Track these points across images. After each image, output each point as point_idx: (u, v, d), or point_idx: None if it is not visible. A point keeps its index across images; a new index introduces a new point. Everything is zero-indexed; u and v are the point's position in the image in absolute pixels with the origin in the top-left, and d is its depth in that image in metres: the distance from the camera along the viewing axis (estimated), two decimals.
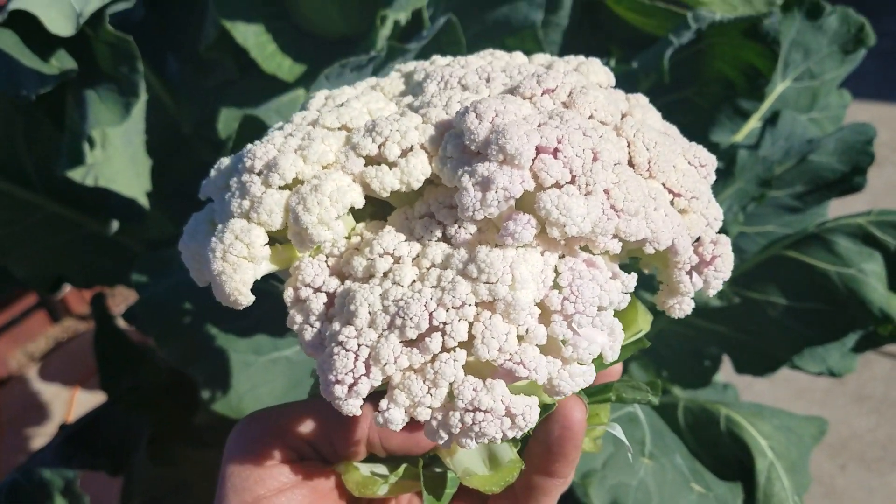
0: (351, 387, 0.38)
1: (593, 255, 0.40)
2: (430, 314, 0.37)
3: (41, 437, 2.47)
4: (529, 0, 0.96)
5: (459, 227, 0.40)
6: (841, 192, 1.07)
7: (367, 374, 0.37)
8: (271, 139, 0.44)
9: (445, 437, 0.38)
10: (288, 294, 0.41)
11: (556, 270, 0.39)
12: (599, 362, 0.40)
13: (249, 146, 0.44)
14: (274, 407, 0.45)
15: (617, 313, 0.41)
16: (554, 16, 1.01)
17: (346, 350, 0.38)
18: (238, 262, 0.41)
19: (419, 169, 0.41)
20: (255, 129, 0.93)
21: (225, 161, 0.48)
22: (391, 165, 0.41)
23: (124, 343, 1.45)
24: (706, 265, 0.44)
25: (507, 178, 0.38)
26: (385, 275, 0.40)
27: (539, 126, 0.40)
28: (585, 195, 0.39)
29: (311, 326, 0.40)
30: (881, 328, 0.95)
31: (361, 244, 0.41)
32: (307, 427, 0.44)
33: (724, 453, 0.98)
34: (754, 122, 1.18)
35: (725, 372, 1.18)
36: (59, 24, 0.77)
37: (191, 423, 1.35)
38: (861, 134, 1.06)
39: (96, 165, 0.90)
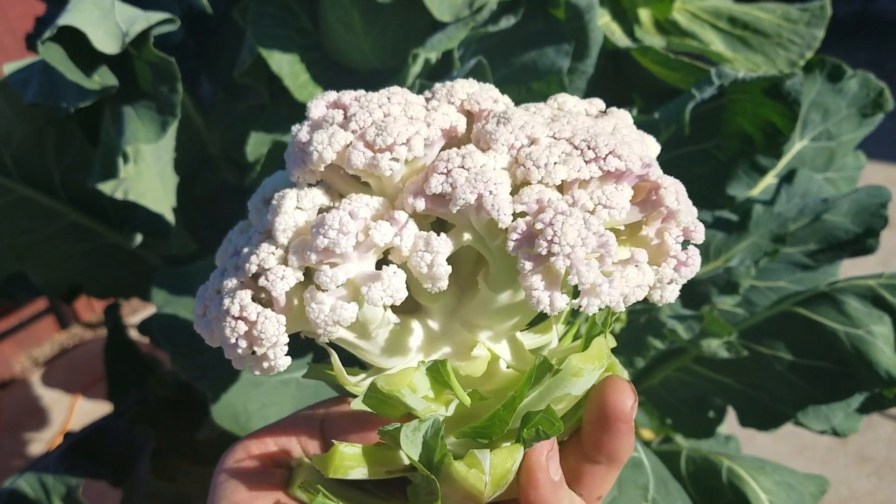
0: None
1: (396, 210, 0.41)
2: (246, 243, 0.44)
3: (39, 442, 2.47)
4: (557, 47, 0.98)
5: None
6: (853, 252, 1.09)
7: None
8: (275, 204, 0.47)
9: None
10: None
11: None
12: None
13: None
14: (264, 428, 0.47)
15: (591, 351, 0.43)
16: (580, 63, 1.03)
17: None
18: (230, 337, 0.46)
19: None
20: (282, 155, 0.96)
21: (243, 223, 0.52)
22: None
23: (134, 355, 1.47)
24: (538, 234, 0.38)
25: (298, 127, 0.45)
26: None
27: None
28: (342, 129, 0.43)
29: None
30: (887, 391, 0.96)
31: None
32: (278, 432, 0.46)
33: None
34: (770, 178, 1.20)
35: (728, 424, 1.19)
36: (105, 42, 0.79)
37: (194, 439, 1.36)
38: (876, 196, 1.08)
39: (127, 180, 0.92)
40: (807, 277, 1.12)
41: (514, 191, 0.40)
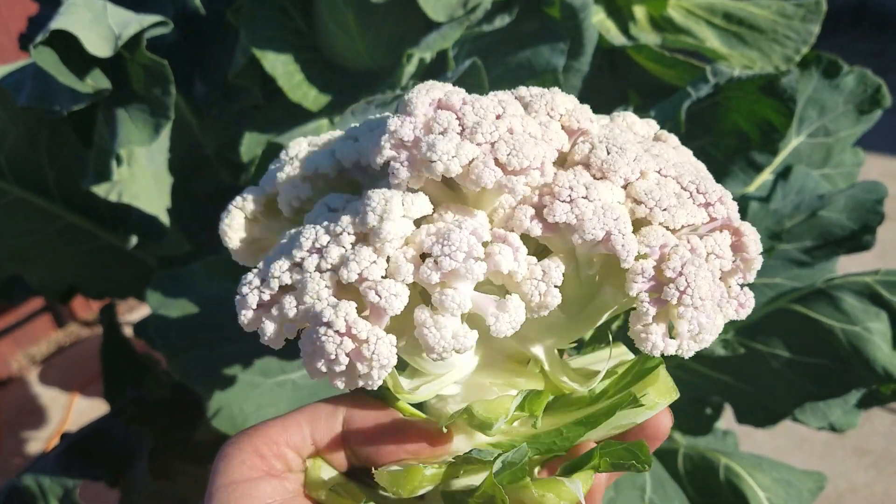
0: (249, 299, 0.42)
1: (508, 232, 0.41)
2: (315, 239, 0.40)
3: (37, 440, 2.47)
4: (552, 46, 0.98)
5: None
6: (850, 249, 1.08)
7: (259, 287, 0.42)
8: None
9: (303, 350, 0.40)
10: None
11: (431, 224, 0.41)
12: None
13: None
14: (259, 423, 0.45)
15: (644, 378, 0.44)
16: (575, 61, 1.03)
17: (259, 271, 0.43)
18: (234, 212, 0.50)
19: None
20: (277, 155, 0.95)
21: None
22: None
23: (130, 355, 1.47)
24: (667, 281, 0.39)
25: (399, 123, 0.41)
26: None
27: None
28: (469, 141, 0.40)
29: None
30: (884, 387, 0.96)
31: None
32: (289, 430, 0.43)
33: (722, 502, 0.98)
34: (767, 175, 1.20)
35: (726, 420, 1.19)
36: (98, 46, 0.79)
37: (191, 439, 1.36)
38: (872, 192, 1.08)
39: (121, 182, 0.92)
40: (803, 274, 1.12)
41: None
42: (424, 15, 0.93)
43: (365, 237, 0.40)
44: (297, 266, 0.40)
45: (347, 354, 0.38)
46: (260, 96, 1.06)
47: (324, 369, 0.39)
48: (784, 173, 1.14)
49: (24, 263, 1.18)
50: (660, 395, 0.44)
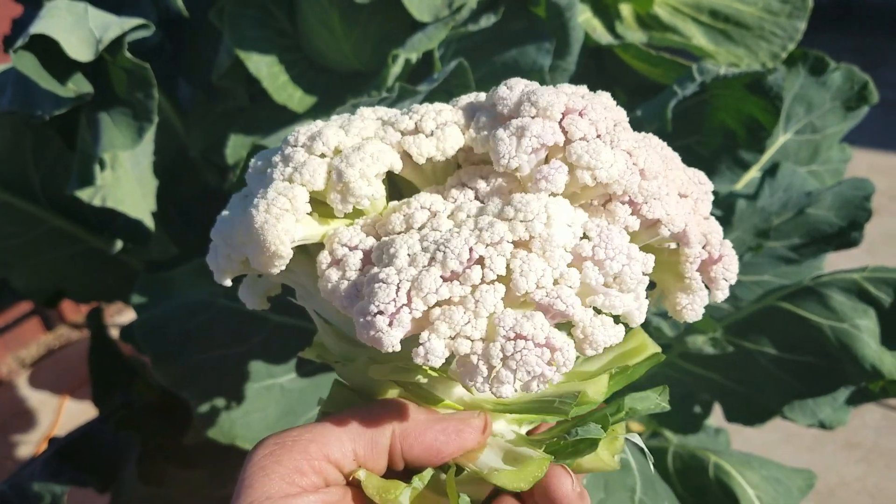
0: (393, 316, 0.38)
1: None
2: (471, 248, 0.39)
3: (27, 444, 2.46)
4: (538, 45, 0.98)
5: (490, 180, 0.43)
6: (837, 246, 1.09)
7: (408, 304, 0.38)
8: (313, 123, 0.47)
9: (485, 371, 0.38)
10: (323, 257, 0.43)
11: (583, 229, 0.42)
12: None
13: (294, 128, 0.47)
14: (293, 429, 0.43)
15: (626, 340, 0.47)
16: (562, 61, 1.02)
17: (388, 284, 0.39)
18: (280, 214, 0.42)
19: (454, 138, 0.45)
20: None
21: (266, 152, 0.51)
22: (428, 135, 0.45)
23: (118, 359, 1.46)
24: (714, 262, 0.46)
25: (540, 127, 0.42)
26: (422, 226, 0.42)
27: (566, 95, 0.44)
28: (613, 148, 0.43)
29: (347, 280, 0.41)
30: (872, 384, 0.96)
31: (397, 206, 0.44)
32: (330, 446, 0.42)
33: (712, 501, 0.98)
34: (754, 172, 1.20)
35: (717, 416, 1.19)
36: (79, 50, 0.78)
37: (180, 443, 1.35)
38: (859, 189, 1.08)
39: (105, 187, 0.91)
40: (791, 271, 1.12)
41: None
42: (410, 15, 0.92)
43: (525, 244, 0.40)
44: (452, 278, 0.39)
45: (546, 363, 0.38)
46: (245, 98, 1.05)
47: (522, 381, 0.38)
48: (771, 171, 1.14)
49: (9, 267, 1.17)
50: (513, 481, 0.44)
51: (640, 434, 1.30)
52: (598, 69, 1.15)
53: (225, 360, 0.96)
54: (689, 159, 1.09)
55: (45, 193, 1.10)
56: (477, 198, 0.43)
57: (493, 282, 0.39)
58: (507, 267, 0.39)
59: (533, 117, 0.42)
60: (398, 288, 0.38)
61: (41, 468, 1.23)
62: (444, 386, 0.47)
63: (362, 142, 0.44)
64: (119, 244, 1.09)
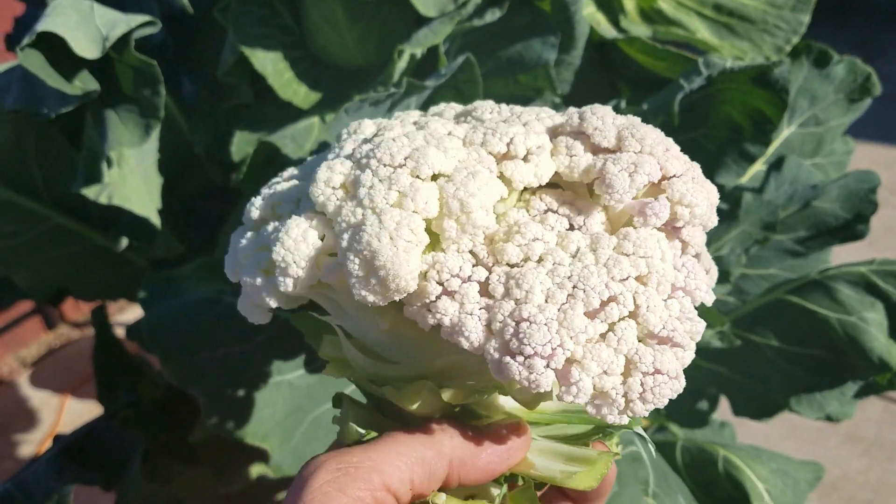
0: (550, 357, 0.38)
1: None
2: (606, 285, 0.40)
3: (29, 443, 2.45)
4: (543, 39, 0.97)
5: (587, 216, 0.44)
6: (843, 239, 1.09)
7: (561, 345, 0.39)
8: (384, 139, 0.45)
9: (622, 404, 0.39)
10: (432, 287, 0.41)
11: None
12: None
13: (363, 146, 0.45)
14: (353, 452, 0.42)
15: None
16: (567, 55, 1.02)
17: (537, 324, 0.38)
18: (409, 247, 0.41)
19: (547, 165, 0.45)
20: (269, 155, 0.95)
21: (292, 170, 0.50)
22: (525, 161, 0.44)
23: (123, 357, 1.46)
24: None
25: (650, 165, 0.43)
26: (541, 258, 0.41)
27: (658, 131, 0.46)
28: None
29: (470, 314, 0.40)
30: (880, 377, 0.96)
31: (500, 236, 0.43)
32: (391, 475, 0.41)
33: (722, 495, 0.98)
34: (759, 166, 1.20)
35: (721, 411, 1.19)
36: (86, 47, 0.78)
37: (185, 441, 1.35)
38: (865, 182, 1.08)
39: (111, 184, 0.91)
40: (797, 264, 1.12)
41: None
42: (414, 10, 0.92)
43: (642, 279, 0.41)
44: (594, 315, 0.40)
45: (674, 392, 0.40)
46: (249, 94, 1.04)
47: (651, 408, 0.40)
48: (777, 164, 1.14)
49: (12, 266, 1.16)
50: (586, 481, 0.46)
51: (646, 429, 1.31)
52: (602, 63, 1.15)
53: (232, 357, 0.96)
54: (695, 153, 1.09)
55: (48, 191, 1.10)
56: (571, 226, 0.44)
57: (625, 318, 0.40)
58: (634, 302, 0.40)
59: (638, 153, 0.44)
60: (548, 327, 0.39)
61: (46, 466, 1.23)
62: (491, 401, 0.47)
63: (463, 165, 0.44)
64: (124, 242, 1.09)
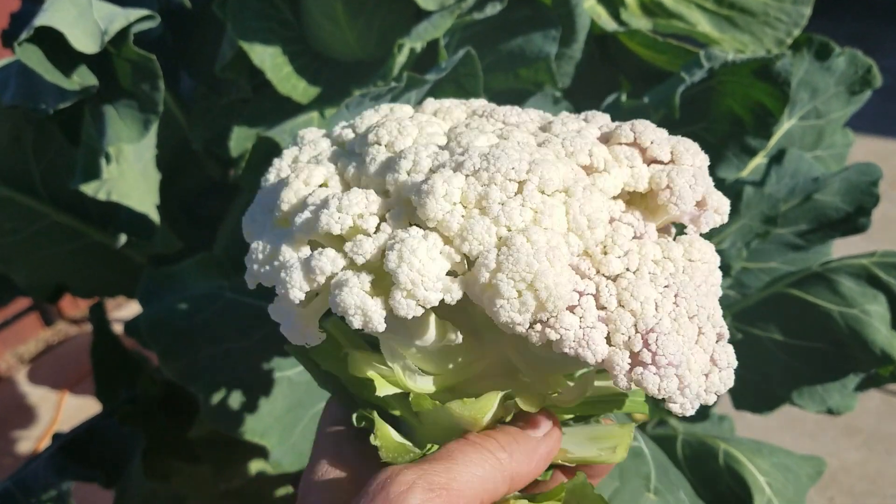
0: (679, 366, 0.41)
1: None
2: (696, 290, 0.43)
3: (27, 440, 2.45)
4: (544, 33, 0.97)
5: (647, 224, 0.46)
6: (844, 232, 1.08)
7: (687, 353, 0.42)
8: (498, 153, 0.44)
9: (704, 398, 0.43)
10: None
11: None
12: None
13: (471, 158, 0.44)
14: (436, 470, 0.41)
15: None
16: (568, 49, 1.02)
17: (666, 334, 0.40)
18: (564, 267, 0.42)
19: (619, 176, 0.46)
20: (268, 150, 0.94)
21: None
22: (608, 172, 0.46)
23: (122, 354, 1.45)
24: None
25: (704, 179, 0.46)
26: (638, 269, 0.43)
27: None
28: None
29: (594, 327, 0.41)
30: (882, 369, 0.96)
31: (603, 244, 0.43)
32: (470, 498, 0.41)
33: (723, 489, 0.98)
34: (760, 159, 1.19)
35: (720, 403, 1.19)
36: (84, 42, 0.77)
37: (185, 437, 1.34)
38: (866, 174, 1.07)
39: (110, 180, 0.90)
40: (798, 258, 1.12)
41: None
42: (414, 4, 0.91)
43: (708, 283, 0.45)
44: (694, 319, 0.42)
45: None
46: (248, 89, 1.04)
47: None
48: (778, 157, 1.13)
49: (10, 263, 1.16)
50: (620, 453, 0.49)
51: (646, 423, 1.30)
52: (603, 56, 1.14)
53: (232, 354, 0.95)
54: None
55: (45, 188, 1.09)
56: (635, 235, 0.45)
57: (708, 319, 0.43)
58: (712, 305, 0.44)
59: (692, 166, 0.46)
60: (678, 336, 0.41)
61: (45, 464, 1.23)
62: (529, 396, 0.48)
63: (573, 179, 0.44)
64: (123, 238, 1.08)
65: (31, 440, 2.44)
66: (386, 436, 0.45)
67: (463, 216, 0.42)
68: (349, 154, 0.49)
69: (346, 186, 0.47)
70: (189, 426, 1.34)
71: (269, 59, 0.95)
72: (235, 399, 0.96)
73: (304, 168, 0.48)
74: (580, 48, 1.02)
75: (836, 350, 0.97)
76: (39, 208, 1.11)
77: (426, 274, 0.40)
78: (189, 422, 1.35)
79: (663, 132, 0.48)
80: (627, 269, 0.42)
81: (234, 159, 1.01)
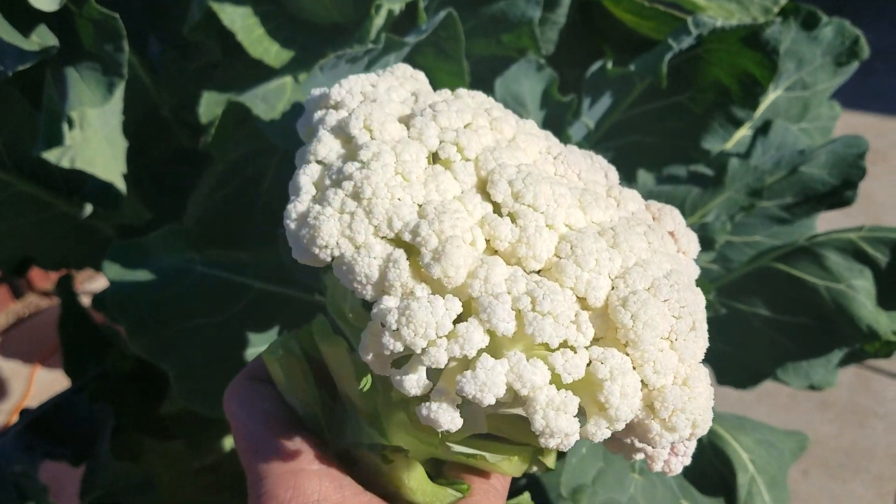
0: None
1: None
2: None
3: None
4: None
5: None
6: (831, 205, 1.06)
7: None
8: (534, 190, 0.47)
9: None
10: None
11: None
12: None
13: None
14: None
15: None
16: (552, 13, 0.98)
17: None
18: None
19: None
20: (239, 116, 0.90)
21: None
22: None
23: (91, 328, 1.41)
24: None
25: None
26: (650, 287, 0.46)
27: None
28: None
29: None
30: (868, 345, 0.95)
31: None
32: None
33: (706, 466, 0.97)
34: (745, 131, 1.17)
35: None
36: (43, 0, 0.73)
37: (157, 413, 1.31)
38: (853, 147, 1.05)
39: (74, 147, 0.86)
40: (783, 231, 1.10)
41: None
42: None
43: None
44: None
45: None
46: (218, 53, 0.99)
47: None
48: (763, 128, 1.11)
49: None
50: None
51: None
52: (585, 23, 1.11)
53: (204, 330, 0.92)
54: (681, 116, 1.06)
55: (9, 156, 1.04)
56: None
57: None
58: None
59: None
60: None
61: (13, 441, 1.19)
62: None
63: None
64: (89, 208, 1.04)
65: (3, 414, 2.40)
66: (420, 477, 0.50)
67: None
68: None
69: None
70: (161, 402, 1.31)
71: (239, 19, 0.91)
72: (208, 376, 0.93)
73: None
74: (564, 13, 0.99)
75: (823, 325, 0.96)
76: (3, 177, 1.06)
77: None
78: (161, 398, 1.32)
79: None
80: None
81: (205, 126, 0.97)
